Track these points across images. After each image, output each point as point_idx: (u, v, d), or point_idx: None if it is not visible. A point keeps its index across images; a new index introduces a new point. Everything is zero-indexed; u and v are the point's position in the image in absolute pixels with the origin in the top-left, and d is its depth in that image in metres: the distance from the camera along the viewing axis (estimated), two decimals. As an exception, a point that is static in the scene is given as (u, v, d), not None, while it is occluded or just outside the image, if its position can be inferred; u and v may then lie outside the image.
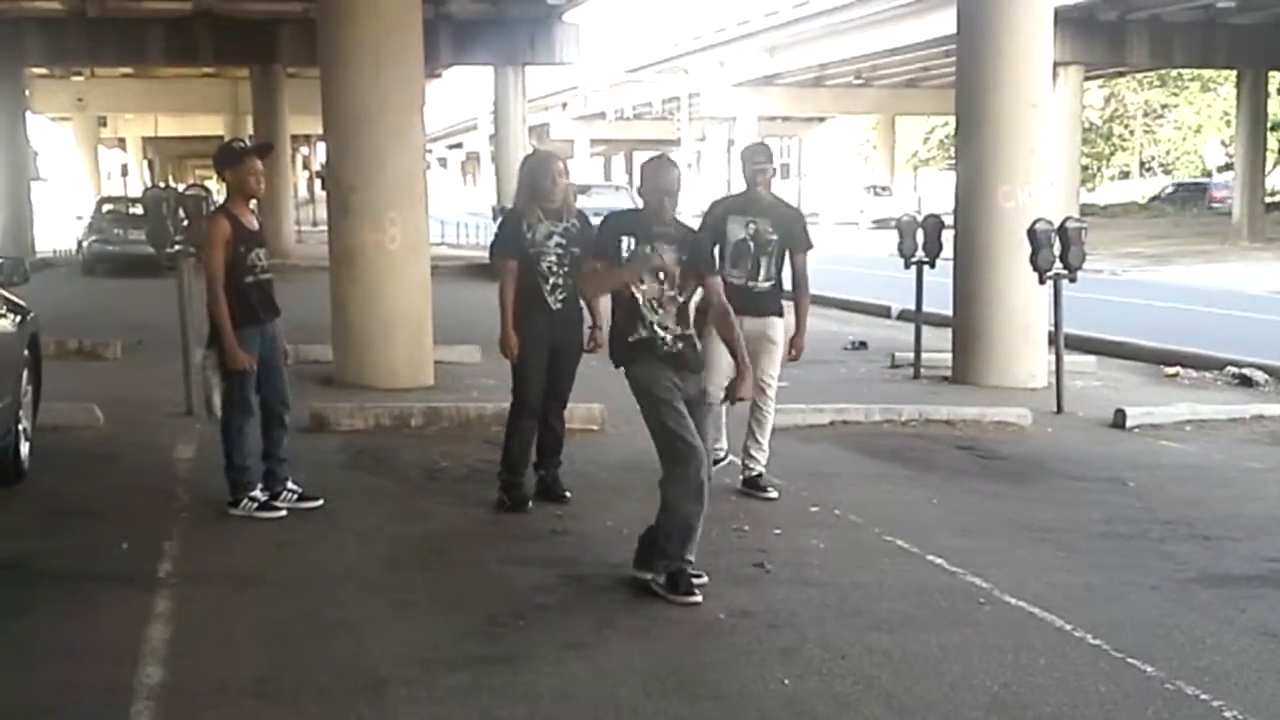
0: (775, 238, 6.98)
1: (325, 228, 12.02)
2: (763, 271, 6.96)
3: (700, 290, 5.55)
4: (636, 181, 5.65)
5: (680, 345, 5.40)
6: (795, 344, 7.14)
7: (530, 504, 6.68)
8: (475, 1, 26.93)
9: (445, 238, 35.52)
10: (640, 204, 5.65)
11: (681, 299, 5.44)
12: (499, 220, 7.35)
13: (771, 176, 7.18)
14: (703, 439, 5.34)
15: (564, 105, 65.08)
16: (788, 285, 7.17)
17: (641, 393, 5.39)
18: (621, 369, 5.50)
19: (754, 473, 7.09)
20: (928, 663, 4.61)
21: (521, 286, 6.59)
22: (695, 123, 55.94)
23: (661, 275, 5.37)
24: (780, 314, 7.05)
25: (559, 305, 6.55)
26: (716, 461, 7.07)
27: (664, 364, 5.36)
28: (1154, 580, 5.68)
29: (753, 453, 7.10)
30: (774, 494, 7.01)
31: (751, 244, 6.94)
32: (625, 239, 5.44)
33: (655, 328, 5.37)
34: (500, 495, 6.73)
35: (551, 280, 6.53)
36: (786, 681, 4.42)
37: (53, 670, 4.48)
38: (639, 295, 5.36)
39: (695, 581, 5.27)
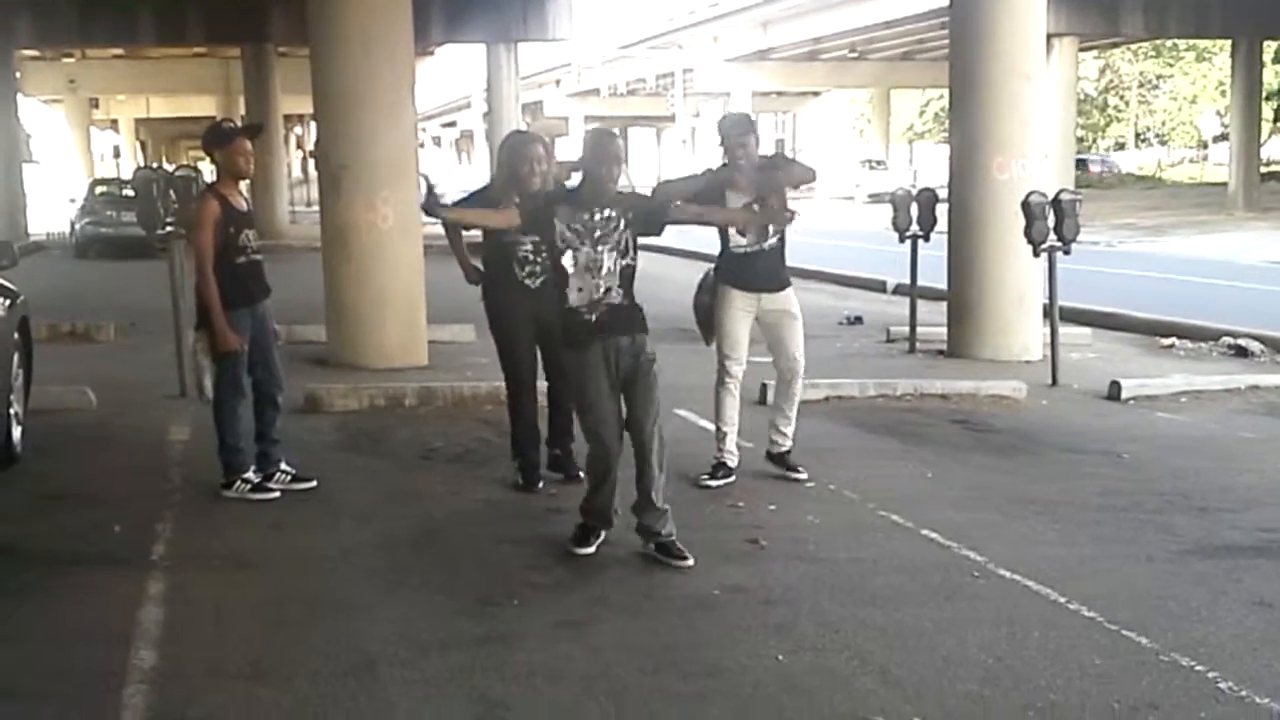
0: (772, 191, 6.68)
1: (318, 208, 11.98)
2: (769, 229, 6.70)
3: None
4: (579, 153, 5.53)
5: (605, 314, 5.41)
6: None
7: (541, 484, 6.67)
8: (467, -22, 26.81)
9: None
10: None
11: (626, 262, 5.45)
12: (469, 194, 7.23)
13: (756, 149, 6.68)
14: (646, 411, 5.44)
15: (557, 82, 64.84)
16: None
17: (570, 384, 5.68)
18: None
19: (782, 449, 6.95)
20: (922, 637, 4.61)
21: (496, 271, 6.58)
22: (689, 99, 55.82)
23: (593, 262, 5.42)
24: (790, 284, 6.91)
25: (537, 285, 6.49)
26: (783, 456, 6.94)
27: (594, 341, 5.40)
28: (1149, 552, 5.68)
29: (781, 428, 6.94)
30: (804, 475, 6.84)
31: (755, 205, 6.64)
32: (562, 209, 5.47)
33: (580, 296, 5.42)
34: (516, 475, 6.73)
35: (528, 268, 6.49)
36: (781, 657, 4.42)
37: (45, 653, 4.47)
38: (568, 263, 5.43)
39: (678, 562, 5.38)
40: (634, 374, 5.46)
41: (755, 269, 6.76)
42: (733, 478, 6.77)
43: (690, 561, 5.38)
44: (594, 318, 5.41)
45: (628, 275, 5.48)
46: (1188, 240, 26.08)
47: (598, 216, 5.43)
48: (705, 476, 6.75)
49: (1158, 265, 20.70)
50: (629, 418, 5.48)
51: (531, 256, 6.45)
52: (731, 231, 6.75)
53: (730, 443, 6.84)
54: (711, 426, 6.97)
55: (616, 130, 5.83)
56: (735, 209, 6.57)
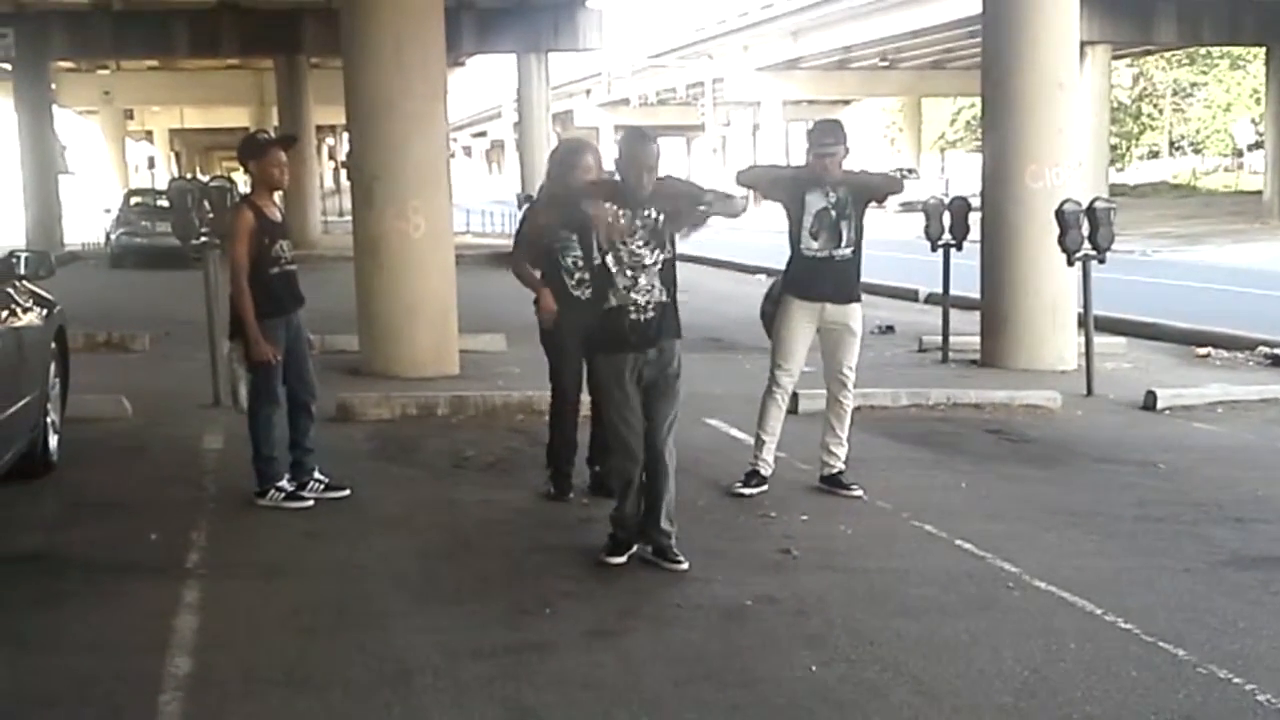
0: (852, 199, 6.64)
1: (350, 218, 12.04)
2: (844, 237, 6.62)
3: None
4: (614, 156, 5.49)
5: (650, 314, 5.40)
6: None
7: (572, 494, 6.66)
8: (498, -11, 26.93)
9: (470, 226, 35.57)
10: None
11: (665, 257, 5.43)
12: (523, 212, 7.27)
13: (844, 158, 6.62)
14: (662, 421, 5.44)
15: (588, 92, 65.05)
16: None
17: (600, 389, 5.66)
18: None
19: (834, 470, 6.83)
20: (956, 648, 4.58)
21: (547, 282, 6.54)
22: (719, 108, 55.87)
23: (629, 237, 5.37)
24: (860, 299, 6.79)
25: (586, 297, 6.47)
26: (835, 477, 6.84)
27: (627, 347, 5.39)
28: (1185, 563, 5.63)
29: (832, 448, 6.84)
30: (859, 491, 6.74)
31: (833, 212, 6.61)
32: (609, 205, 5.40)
33: (628, 294, 5.38)
34: (547, 485, 6.73)
35: (576, 276, 6.40)
36: (814, 668, 4.40)
37: (81, 660, 4.49)
38: (610, 263, 5.39)
39: (673, 566, 5.41)
40: (656, 382, 5.46)
41: (823, 276, 6.67)
42: (765, 486, 6.75)
43: (685, 565, 5.39)
44: (641, 318, 5.39)
45: (669, 272, 5.47)
46: (1222, 249, 25.87)
47: (638, 216, 5.40)
48: (739, 484, 6.73)
49: (1193, 274, 20.55)
50: (646, 427, 5.47)
51: (579, 264, 6.31)
52: (804, 233, 6.67)
53: (768, 452, 6.81)
54: (743, 435, 6.95)
55: (649, 132, 5.73)
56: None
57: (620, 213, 5.38)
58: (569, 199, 5.77)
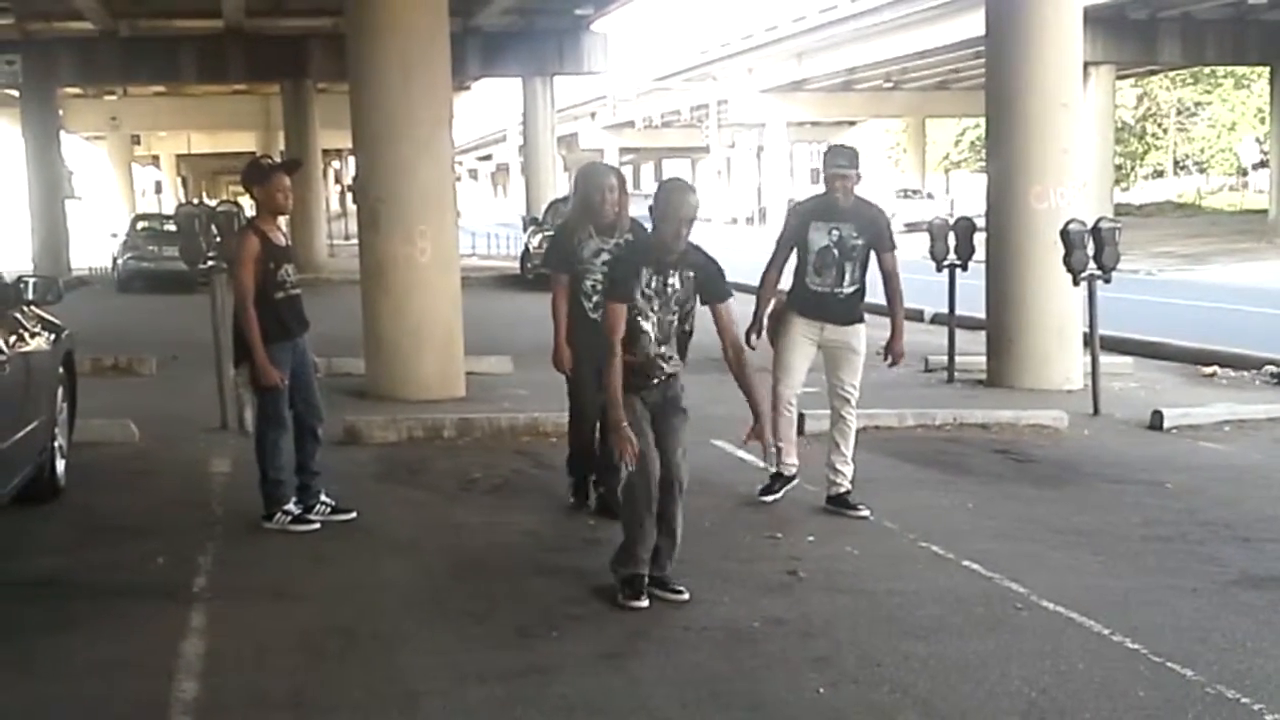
0: (860, 242, 6.72)
1: (356, 241, 12.07)
2: (847, 277, 6.72)
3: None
4: (650, 204, 5.44)
5: (667, 378, 5.41)
6: (894, 350, 6.85)
7: (590, 499, 6.81)
8: (504, 14, 27.02)
9: (476, 249, 35.64)
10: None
11: (686, 328, 5.44)
12: (552, 235, 7.34)
13: (855, 183, 6.75)
14: (675, 444, 5.37)
15: (593, 115, 65.24)
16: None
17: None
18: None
19: (841, 489, 6.83)
20: (964, 670, 4.57)
21: (568, 302, 6.60)
22: (724, 129, 56.02)
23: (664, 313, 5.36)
24: (862, 320, 6.84)
25: (599, 318, 6.50)
26: (790, 478, 6.98)
27: (638, 394, 5.35)
28: (1193, 583, 5.61)
29: (839, 467, 6.84)
30: (866, 512, 6.72)
31: (835, 251, 6.69)
32: (644, 271, 5.35)
33: (656, 358, 5.37)
34: (568, 493, 6.89)
35: (595, 299, 6.42)
36: (821, 690, 4.39)
37: (89, 684, 4.49)
38: (649, 329, 5.34)
39: (674, 596, 5.30)
40: (661, 408, 5.42)
41: (825, 306, 6.77)
42: (795, 480, 6.93)
43: (685, 596, 5.31)
44: (652, 379, 5.38)
45: (684, 341, 5.48)
46: (1228, 268, 25.86)
47: (669, 281, 5.34)
48: (760, 491, 6.85)
49: (1198, 293, 20.53)
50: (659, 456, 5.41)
51: (598, 287, 6.36)
52: (809, 267, 6.74)
53: (789, 456, 6.93)
54: (748, 456, 6.97)
55: (689, 183, 5.71)
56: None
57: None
58: (627, 264, 5.56)
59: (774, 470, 6.99)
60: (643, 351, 5.35)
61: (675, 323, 5.40)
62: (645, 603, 5.24)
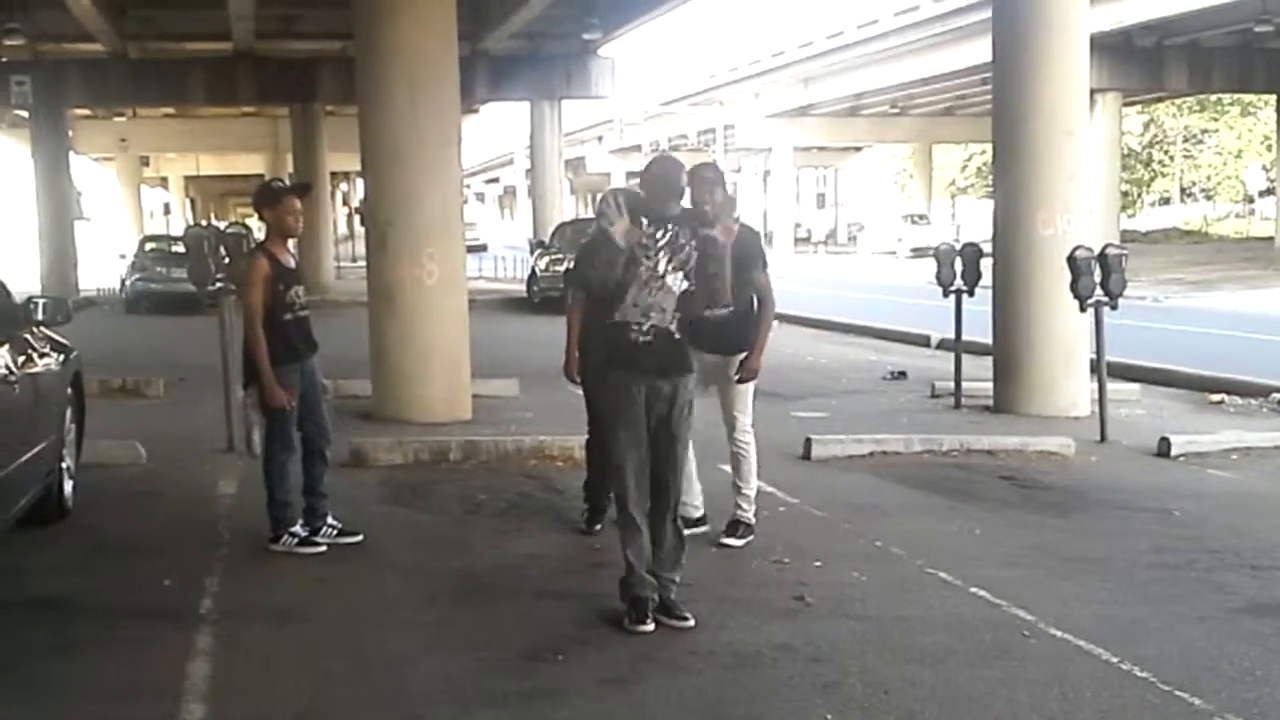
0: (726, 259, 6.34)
1: (364, 264, 12.10)
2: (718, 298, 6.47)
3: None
4: (638, 180, 5.40)
5: (652, 337, 5.27)
6: (746, 365, 6.45)
7: (599, 527, 6.79)
8: (512, 38, 27.13)
9: (483, 271, 35.71)
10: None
11: (683, 286, 5.30)
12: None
13: (720, 198, 6.32)
14: (668, 461, 5.27)
15: (599, 139, 65.40)
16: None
17: (605, 415, 5.48)
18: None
19: (737, 516, 6.65)
20: (972, 697, 4.56)
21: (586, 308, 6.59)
22: (730, 154, 56.08)
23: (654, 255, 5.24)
24: (744, 349, 6.50)
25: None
26: (698, 521, 6.66)
27: (633, 373, 5.25)
28: (1202, 611, 5.60)
29: (741, 492, 6.66)
30: (739, 544, 6.53)
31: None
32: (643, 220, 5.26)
33: (635, 312, 5.25)
34: (582, 518, 6.93)
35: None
36: (829, 717, 4.38)
37: (95, 707, 4.50)
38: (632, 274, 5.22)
39: (678, 623, 5.25)
40: (666, 420, 5.33)
41: (698, 330, 6.24)
42: (704, 527, 6.64)
43: (691, 623, 5.27)
44: (644, 340, 5.28)
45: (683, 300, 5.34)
46: (1235, 295, 25.83)
47: (660, 232, 5.28)
48: (725, 535, 6.65)
49: (1205, 320, 20.51)
50: (650, 467, 5.32)
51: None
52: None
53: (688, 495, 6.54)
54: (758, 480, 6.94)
55: (681, 160, 5.65)
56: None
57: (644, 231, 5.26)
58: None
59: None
60: (634, 309, 5.32)
61: (675, 278, 5.31)
62: (650, 627, 5.22)
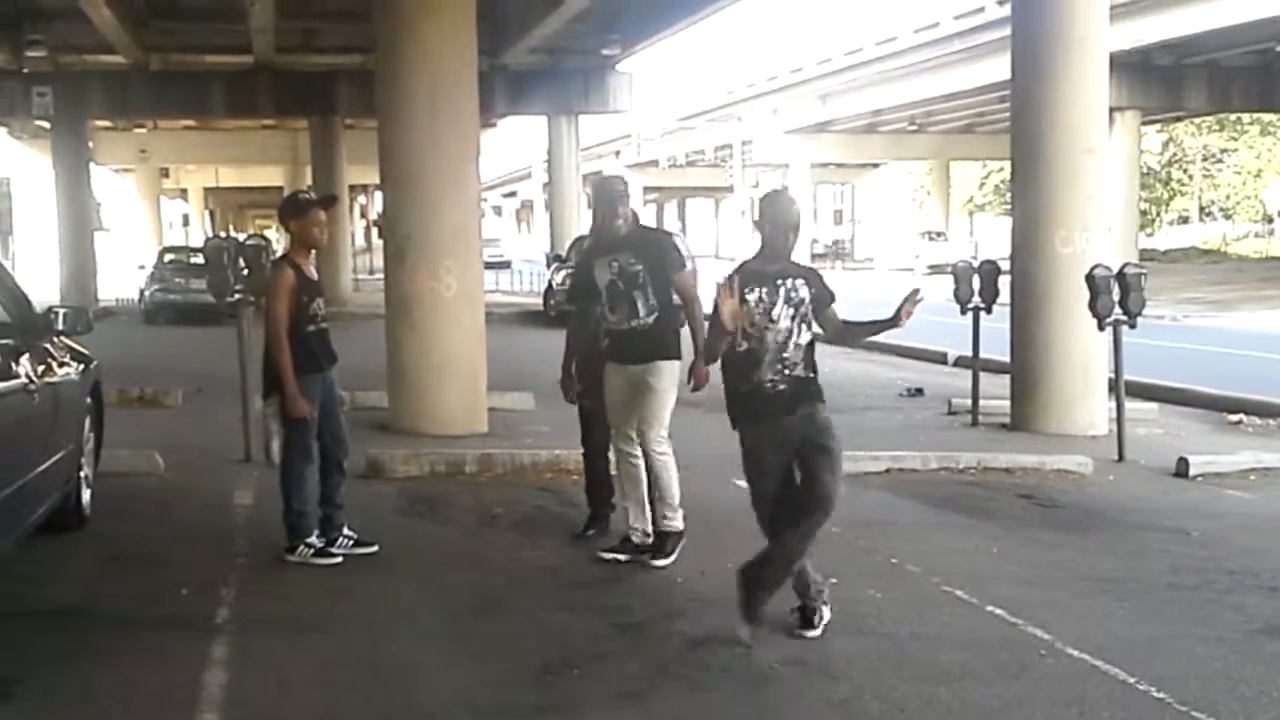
0: (640, 268, 6.33)
1: (382, 276, 12.14)
2: (641, 307, 6.35)
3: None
4: (755, 215, 5.38)
5: (784, 386, 5.37)
6: (695, 371, 6.23)
7: (591, 532, 6.91)
8: (530, 53, 27.26)
9: (499, 285, 35.79)
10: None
11: (802, 341, 5.42)
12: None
13: (627, 208, 6.43)
14: (825, 484, 5.26)
15: (617, 153, 65.52)
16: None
17: (747, 468, 5.51)
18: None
19: (661, 526, 6.48)
20: (988, 716, 4.54)
21: (586, 326, 6.72)
22: (748, 170, 56.15)
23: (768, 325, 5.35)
24: (668, 357, 6.38)
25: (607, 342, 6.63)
26: (637, 545, 6.50)
27: (766, 423, 5.35)
28: (1219, 632, 5.57)
29: (665, 500, 6.49)
30: (662, 564, 6.39)
31: (620, 283, 6.36)
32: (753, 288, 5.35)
33: (766, 372, 5.37)
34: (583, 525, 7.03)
35: (604, 326, 6.61)
36: (844, 733, 4.37)
37: (112, 715, 4.50)
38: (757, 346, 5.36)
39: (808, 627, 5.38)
40: (809, 440, 5.38)
41: (628, 344, 6.45)
42: (645, 554, 6.48)
43: (818, 632, 5.36)
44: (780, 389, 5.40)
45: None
46: (1254, 315, 25.73)
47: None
48: (606, 550, 6.58)
49: (1224, 340, 20.44)
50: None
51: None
52: (605, 308, 6.48)
53: (635, 520, 6.55)
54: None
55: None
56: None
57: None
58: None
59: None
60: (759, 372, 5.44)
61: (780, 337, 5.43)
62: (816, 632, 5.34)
